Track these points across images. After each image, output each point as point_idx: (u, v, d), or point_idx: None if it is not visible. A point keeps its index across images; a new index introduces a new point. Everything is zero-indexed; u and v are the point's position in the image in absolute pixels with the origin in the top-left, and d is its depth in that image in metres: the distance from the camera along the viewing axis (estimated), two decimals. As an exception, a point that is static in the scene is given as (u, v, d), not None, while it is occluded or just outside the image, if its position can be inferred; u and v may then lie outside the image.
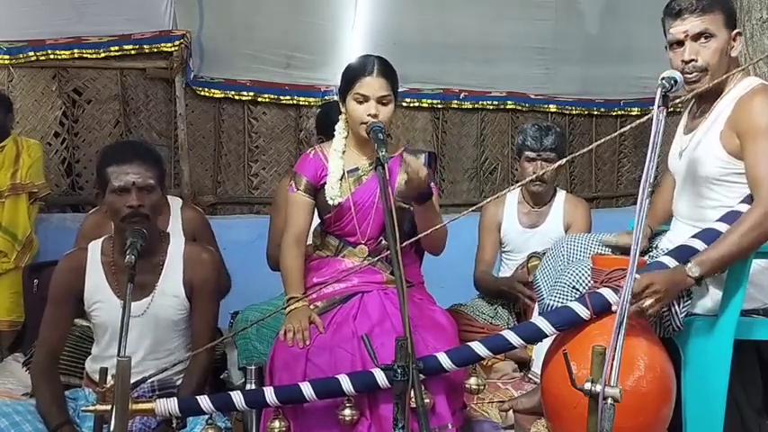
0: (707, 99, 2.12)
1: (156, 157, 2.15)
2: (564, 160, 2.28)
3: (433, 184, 2.37)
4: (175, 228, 2.80)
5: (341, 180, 2.30)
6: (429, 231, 2.25)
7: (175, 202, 2.91)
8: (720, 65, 2.03)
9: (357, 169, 2.32)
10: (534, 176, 2.85)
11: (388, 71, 2.25)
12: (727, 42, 2.05)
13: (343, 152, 2.33)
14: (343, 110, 2.31)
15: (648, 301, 1.81)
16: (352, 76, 2.24)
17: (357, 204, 2.29)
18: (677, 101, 1.98)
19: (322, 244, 2.40)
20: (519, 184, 2.52)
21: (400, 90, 2.34)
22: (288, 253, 2.30)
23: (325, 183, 2.30)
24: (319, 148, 2.39)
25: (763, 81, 2.11)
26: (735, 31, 2.07)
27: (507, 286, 2.92)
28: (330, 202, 2.28)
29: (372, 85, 2.21)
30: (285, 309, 2.18)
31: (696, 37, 2.04)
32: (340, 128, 2.35)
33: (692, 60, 2.03)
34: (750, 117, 1.97)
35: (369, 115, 2.19)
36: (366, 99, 2.21)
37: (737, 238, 1.89)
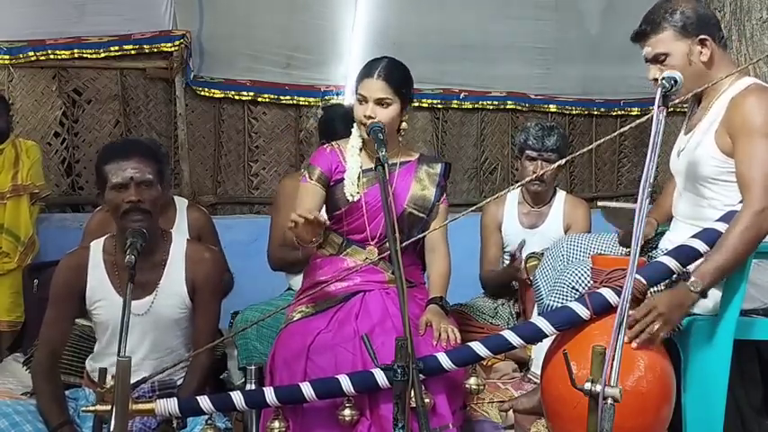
0: (705, 99, 2.12)
1: (155, 152, 2.15)
2: (563, 161, 2.28)
3: (444, 196, 2.38)
4: (181, 227, 2.82)
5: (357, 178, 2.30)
6: (429, 231, 2.26)
7: (182, 203, 2.94)
8: (690, 75, 1.99)
9: (371, 170, 2.32)
10: (533, 177, 2.84)
11: (392, 74, 2.24)
12: (689, 53, 2.04)
13: (360, 150, 2.33)
14: None
15: (657, 326, 1.81)
16: (359, 76, 2.28)
17: (368, 204, 2.30)
18: (676, 101, 1.98)
19: (325, 241, 2.39)
20: (518, 184, 2.53)
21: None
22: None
23: (338, 179, 2.30)
24: (336, 145, 2.39)
25: (759, 81, 2.11)
26: (698, 37, 2.04)
27: (509, 276, 2.93)
28: (349, 198, 2.27)
29: (371, 86, 2.22)
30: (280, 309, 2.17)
31: (653, 60, 2.07)
32: (357, 126, 2.35)
33: (656, 80, 2.03)
34: (742, 117, 1.97)
35: (365, 116, 2.20)
36: (365, 100, 2.22)
37: (732, 243, 1.89)
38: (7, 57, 4.14)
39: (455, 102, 5.22)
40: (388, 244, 2.26)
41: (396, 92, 2.23)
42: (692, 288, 1.87)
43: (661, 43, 2.06)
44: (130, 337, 1.70)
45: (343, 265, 2.31)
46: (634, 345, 1.80)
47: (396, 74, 2.25)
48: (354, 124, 2.35)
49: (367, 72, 2.24)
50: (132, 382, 1.66)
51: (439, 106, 5.20)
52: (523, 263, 2.80)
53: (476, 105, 5.29)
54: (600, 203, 2.23)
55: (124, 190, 2.00)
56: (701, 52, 2.05)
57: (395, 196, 2.27)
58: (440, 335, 2.06)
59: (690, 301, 1.89)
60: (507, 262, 3.18)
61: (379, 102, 2.21)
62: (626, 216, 2.12)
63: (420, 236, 2.26)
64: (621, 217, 2.18)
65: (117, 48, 4.33)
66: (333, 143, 2.41)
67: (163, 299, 2.12)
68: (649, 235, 2.22)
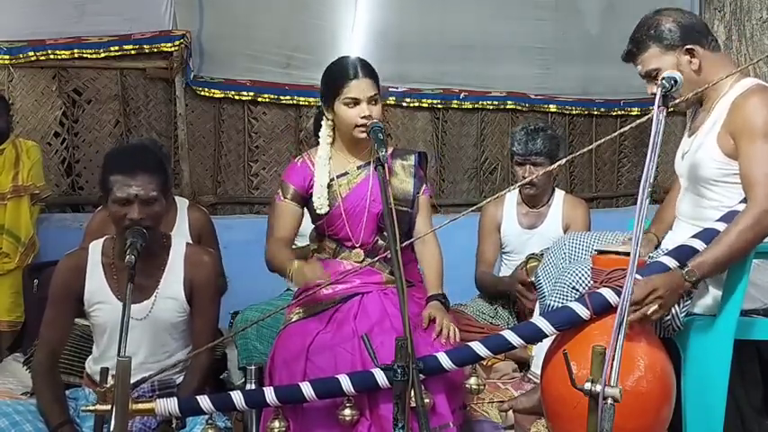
0: (706, 102, 2.12)
1: (161, 165, 2.12)
2: (553, 166, 2.28)
3: (425, 185, 2.38)
4: (182, 228, 2.82)
5: (330, 186, 2.29)
6: (427, 233, 2.26)
7: (182, 203, 2.94)
8: (684, 84, 1.96)
9: (346, 173, 2.31)
10: (523, 183, 2.84)
11: (371, 71, 2.25)
12: (678, 64, 2.05)
13: (330, 158, 2.31)
14: (329, 116, 2.29)
15: (653, 308, 1.82)
16: (337, 81, 2.22)
17: (348, 210, 2.28)
18: (676, 101, 1.98)
19: (320, 247, 2.40)
20: (511, 188, 2.53)
21: (400, 90, 2.34)
22: (276, 249, 2.27)
23: (313, 191, 2.30)
24: (307, 156, 2.37)
25: (761, 82, 2.11)
26: (685, 47, 2.05)
27: (508, 287, 2.93)
28: (318, 212, 2.27)
29: (360, 86, 2.20)
30: (280, 309, 2.17)
31: (647, 76, 2.10)
32: (324, 134, 2.33)
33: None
34: (744, 118, 1.97)
35: (363, 117, 2.18)
36: (357, 102, 2.20)
37: (732, 240, 1.89)
38: (7, 57, 4.14)
39: (455, 102, 5.22)
40: (382, 243, 2.28)
41: (378, 86, 2.24)
42: (686, 277, 1.88)
43: (649, 61, 2.08)
44: (128, 340, 1.69)
45: (339, 268, 2.30)
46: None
47: (372, 69, 2.26)
48: (321, 132, 2.32)
49: (348, 74, 2.20)
50: (132, 382, 1.66)
51: (439, 106, 5.19)
52: (525, 268, 2.81)
53: (476, 105, 5.28)
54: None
55: (127, 205, 1.98)
56: (691, 62, 2.06)
57: (374, 195, 2.26)
58: (441, 330, 2.06)
59: (683, 289, 1.89)
60: (505, 262, 3.19)
61: (371, 99, 2.20)
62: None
63: (416, 238, 2.26)
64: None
65: (117, 48, 4.32)
66: (303, 154, 2.40)
67: (162, 303, 2.11)
68: (648, 254, 2.22)
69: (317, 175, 2.29)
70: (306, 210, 2.36)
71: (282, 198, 2.32)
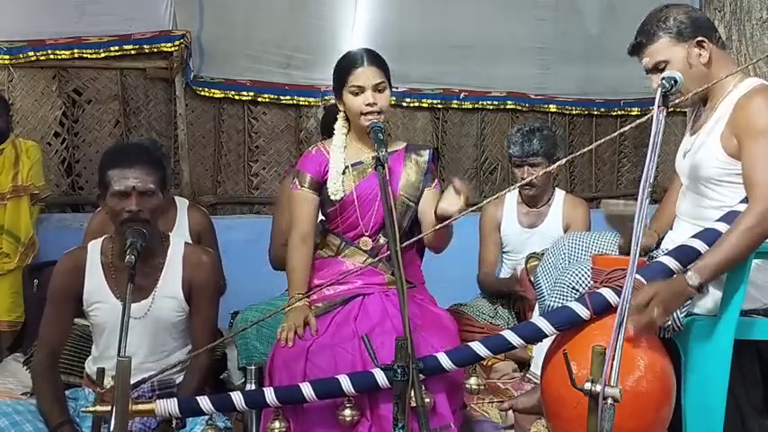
0: (710, 101, 2.12)
1: (158, 160, 2.14)
2: (552, 167, 2.27)
3: (436, 180, 2.39)
4: (181, 228, 2.82)
5: (344, 174, 2.30)
6: (428, 232, 2.26)
7: (182, 203, 2.94)
8: (690, 79, 1.99)
9: (360, 162, 2.33)
10: (522, 183, 2.84)
11: (377, 59, 2.27)
12: (688, 56, 2.05)
13: (345, 147, 2.33)
14: (340, 107, 2.33)
15: (656, 312, 1.81)
16: (343, 70, 2.26)
17: (360, 197, 2.30)
18: (676, 101, 1.98)
19: (323, 243, 2.40)
20: (510, 188, 2.54)
21: (400, 90, 2.34)
22: (294, 253, 2.31)
23: (328, 177, 2.31)
24: (321, 145, 2.40)
25: (764, 81, 2.11)
26: (696, 39, 2.04)
27: (509, 287, 2.93)
28: (332, 198, 2.28)
29: (365, 74, 2.22)
30: (286, 308, 2.18)
31: (654, 70, 2.08)
32: (339, 125, 2.36)
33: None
34: (748, 118, 1.97)
35: (367, 105, 2.20)
36: (362, 89, 2.22)
37: (734, 241, 1.89)
38: (7, 57, 4.13)
39: (455, 102, 5.22)
40: (385, 241, 2.28)
41: (386, 75, 2.26)
42: (689, 282, 1.87)
43: (659, 52, 2.07)
44: (128, 340, 1.69)
45: (341, 267, 2.31)
46: (632, 331, 1.77)
47: (380, 58, 2.28)
48: (336, 124, 2.35)
49: (353, 63, 2.24)
50: (132, 382, 1.66)
51: (439, 106, 5.19)
52: (525, 267, 2.81)
53: (476, 105, 5.28)
54: (606, 209, 2.22)
55: (125, 198, 1.99)
56: (700, 54, 2.05)
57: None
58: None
59: (687, 293, 1.88)
60: (505, 261, 3.19)
61: (376, 87, 2.22)
62: (631, 223, 2.13)
63: (419, 237, 2.25)
64: (627, 223, 2.19)
65: (117, 48, 4.32)
66: (317, 143, 2.42)
67: (160, 302, 2.11)
68: (650, 246, 2.22)
69: (333, 162, 2.31)
70: None
71: (300, 187, 2.33)
